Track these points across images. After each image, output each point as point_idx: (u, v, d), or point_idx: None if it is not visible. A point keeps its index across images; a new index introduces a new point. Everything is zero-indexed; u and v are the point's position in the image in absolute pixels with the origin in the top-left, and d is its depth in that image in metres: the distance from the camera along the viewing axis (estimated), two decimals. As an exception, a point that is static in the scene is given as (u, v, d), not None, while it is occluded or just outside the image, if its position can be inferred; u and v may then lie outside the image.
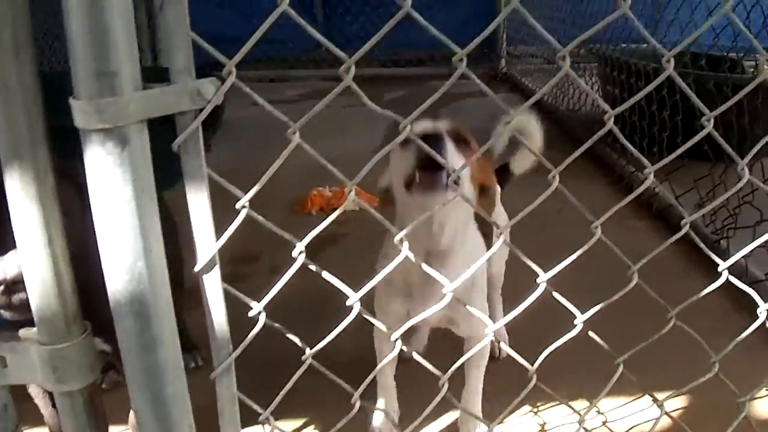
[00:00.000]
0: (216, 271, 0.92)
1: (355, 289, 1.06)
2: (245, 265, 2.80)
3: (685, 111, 3.30)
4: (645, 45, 4.30)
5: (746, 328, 1.43)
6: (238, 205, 0.90)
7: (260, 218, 0.92)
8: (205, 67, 0.90)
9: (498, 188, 1.84)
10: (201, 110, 0.85)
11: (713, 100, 2.91)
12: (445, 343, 1.90)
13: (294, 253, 0.97)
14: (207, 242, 0.90)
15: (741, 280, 2.28)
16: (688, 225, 1.25)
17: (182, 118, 0.85)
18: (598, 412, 1.75)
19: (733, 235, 2.64)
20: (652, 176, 1.14)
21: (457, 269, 1.42)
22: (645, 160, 1.15)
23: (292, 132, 0.91)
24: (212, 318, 0.95)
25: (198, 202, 0.89)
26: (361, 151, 4.21)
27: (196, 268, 0.91)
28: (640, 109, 3.64)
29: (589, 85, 4.89)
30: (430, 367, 1.22)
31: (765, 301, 1.44)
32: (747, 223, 2.53)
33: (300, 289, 1.49)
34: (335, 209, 3.58)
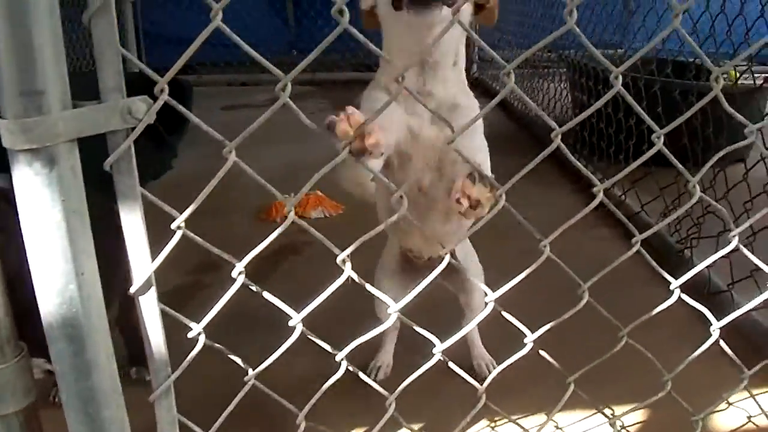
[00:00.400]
0: (152, 293, 0.90)
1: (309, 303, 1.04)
2: (208, 273, 2.75)
3: (651, 119, 3.27)
4: (613, 52, 4.33)
5: (706, 339, 1.43)
6: (173, 226, 0.88)
7: (197, 238, 0.90)
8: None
9: None
10: (134, 128, 0.82)
11: (678, 108, 2.91)
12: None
13: (233, 274, 0.95)
14: (142, 263, 0.88)
15: (703, 291, 2.31)
16: (638, 244, 1.24)
17: (113, 137, 0.82)
18: (556, 427, 1.74)
19: (697, 245, 2.61)
20: (601, 194, 1.13)
21: (451, 85, 1.48)
22: (594, 179, 1.14)
23: (228, 151, 0.89)
24: (149, 339, 0.93)
25: (132, 223, 0.87)
26: (327, 158, 4.20)
27: (132, 290, 0.89)
28: (607, 116, 3.61)
29: (558, 89, 4.87)
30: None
31: (724, 313, 1.44)
32: (712, 231, 2.53)
33: (254, 304, 1.47)
34: (302, 217, 3.53)
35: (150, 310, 0.91)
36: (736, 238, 1.34)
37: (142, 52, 6.54)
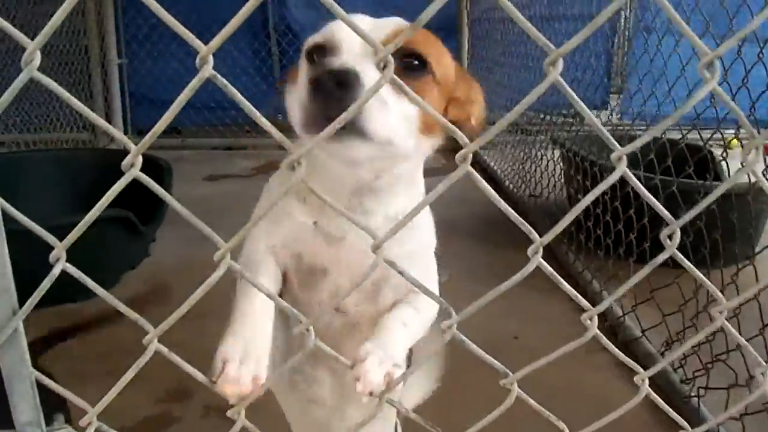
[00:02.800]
0: None
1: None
2: (176, 403, 2.51)
3: (652, 212, 2.98)
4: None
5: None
6: (145, 341, 0.78)
7: (174, 357, 0.77)
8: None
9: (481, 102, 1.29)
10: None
11: (678, 204, 2.77)
12: None
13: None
14: None
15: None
16: (646, 382, 1.06)
17: None
18: None
19: (704, 395, 2.40)
20: (595, 326, 0.96)
21: (402, 201, 1.18)
22: (586, 303, 0.95)
23: (220, 256, 0.75)
24: None
25: None
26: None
27: None
28: (604, 202, 3.38)
29: (551, 161, 4.62)
30: None
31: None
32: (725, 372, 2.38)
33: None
34: None
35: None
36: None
37: (128, 114, 6.48)
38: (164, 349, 0.80)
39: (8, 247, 0.74)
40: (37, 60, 0.64)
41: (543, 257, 0.89)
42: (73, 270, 0.71)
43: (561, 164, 4.47)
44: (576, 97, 0.76)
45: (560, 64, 0.73)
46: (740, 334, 2.11)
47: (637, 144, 0.82)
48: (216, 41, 0.68)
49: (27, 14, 5.59)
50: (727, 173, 2.91)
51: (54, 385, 0.71)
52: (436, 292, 1.20)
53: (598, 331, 0.96)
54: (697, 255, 2.65)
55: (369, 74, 0.94)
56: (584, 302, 0.95)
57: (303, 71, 1.11)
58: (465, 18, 6.69)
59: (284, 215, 1.19)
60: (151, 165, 3.81)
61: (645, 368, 1.05)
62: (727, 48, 0.78)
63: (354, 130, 0.95)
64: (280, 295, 1.22)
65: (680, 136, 3.31)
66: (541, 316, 2.97)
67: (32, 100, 5.85)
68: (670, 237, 0.90)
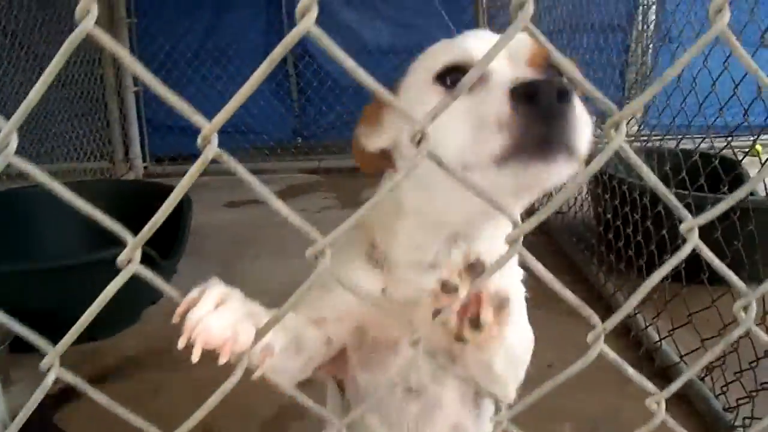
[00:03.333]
0: None
1: None
2: None
3: (703, 236, 2.80)
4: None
5: None
6: None
7: None
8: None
9: None
10: None
11: (712, 223, 2.65)
12: None
13: None
14: None
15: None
16: (662, 404, 0.93)
17: None
18: None
19: (750, 425, 2.25)
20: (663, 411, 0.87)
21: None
22: (596, 319, 0.84)
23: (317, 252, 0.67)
24: None
25: None
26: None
27: None
28: (635, 222, 3.26)
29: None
30: None
31: None
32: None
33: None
34: None
35: None
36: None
37: (145, 141, 6.45)
38: None
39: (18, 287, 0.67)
40: (14, 144, 0.56)
41: (571, 280, 0.81)
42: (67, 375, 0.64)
43: (588, 182, 4.32)
44: (640, 161, 0.68)
45: (623, 127, 0.65)
46: None
47: (710, 215, 0.73)
48: (220, 118, 0.65)
49: (29, 20, 5.60)
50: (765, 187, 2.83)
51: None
52: (530, 336, 1.09)
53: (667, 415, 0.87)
54: (738, 275, 2.53)
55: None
56: (650, 385, 0.86)
57: (431, 94, 0.95)
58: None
59: (355, 276, 1.07)
60: (168, 195, 3.73)
61: (684, 395, 0.97)
62: None
63: (564, 148, 0.82)
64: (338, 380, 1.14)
65: (711, 146, 3.19)
66: (575, 342, 2.83)
67: (49, 130, 5.84)
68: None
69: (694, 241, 0.72)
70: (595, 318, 0.75)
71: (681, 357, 2.69)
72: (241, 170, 0.61)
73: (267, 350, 0.89)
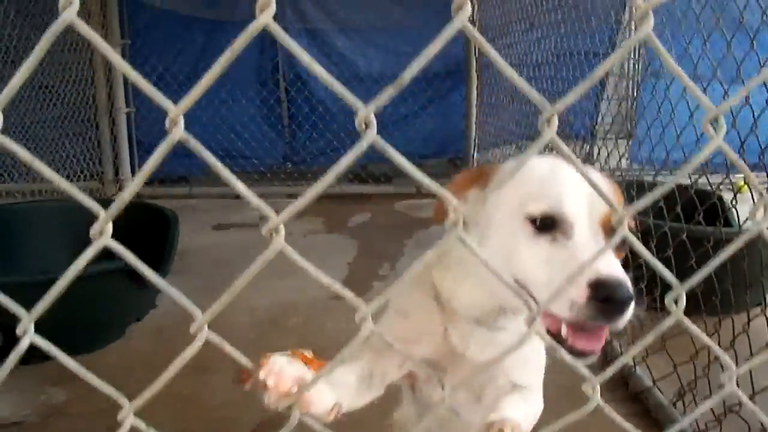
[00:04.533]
0: None
1: None
2: None
3: (679, 263, 2.80)
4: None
5: None
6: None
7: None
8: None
9: None
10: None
11: (688, 251, 2.72)
12: None
13: None
14: None
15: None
16: (597, 392, 0.92)
17: None
18: None
19: None
20: (597, 391, 0.90)
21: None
22: (586, 372, 0.90)
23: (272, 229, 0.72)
24: None
25: None
26: (321, 295, 3.92)
27: None
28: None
29: None
30: None
31: None
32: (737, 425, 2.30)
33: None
34: None
35: None
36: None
37: (135, 162, 6.47)
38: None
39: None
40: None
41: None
42: (40, 340, 0.67)
43: None
44: (573, 156, 0.73)
45: (555, 122, 0.70)
46: (752, 383, 2.07)
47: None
48: (187, 101, 0.67)
49: (18, 29, 5.66)
50: (737, 218, 2.88)
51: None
52: (540, 392, 1.27)
53: (601, 401, 0.92)
54: (708, 303, 2.63)
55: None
56: (586, 374, 0.91)
57: (521, 230, 1.09)
58: (473, 64, 6.68)
59: (416, 308, 1.25)
60: (156, 215, 3.79)
61: (657, 420, 1.02)
62: (731, 104, 0.76)
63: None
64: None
65: (689, 181, 3.25)
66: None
67: (39, 149, 5.86)
68: (676, 301, 0.87)
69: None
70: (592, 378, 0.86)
71: (654, 382, 2.76)
72: (206, 155, 0.65)
73: (335, 409, 1.04)
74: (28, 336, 0.66)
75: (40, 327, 0.67)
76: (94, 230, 0.64)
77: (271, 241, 0.70)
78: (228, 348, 0.78)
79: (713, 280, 2.65)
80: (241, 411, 2.31)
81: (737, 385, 0.97)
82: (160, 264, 3.34)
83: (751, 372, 1.88)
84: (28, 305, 0.68)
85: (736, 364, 0.99)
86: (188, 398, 0.83)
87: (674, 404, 2.62)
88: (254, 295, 3.68)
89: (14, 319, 0.68)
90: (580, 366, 0.88)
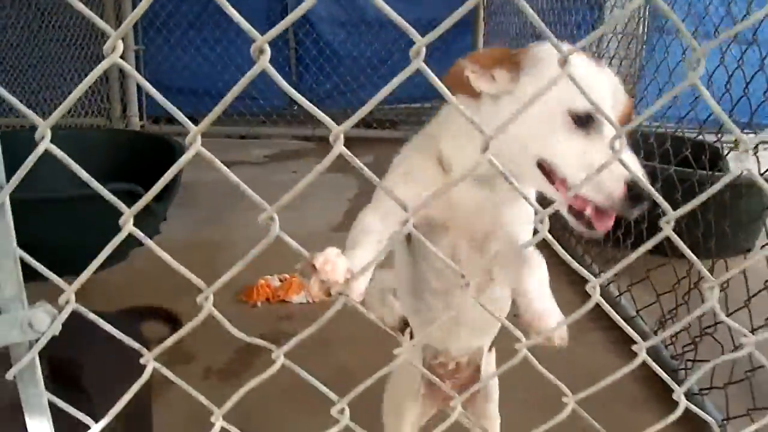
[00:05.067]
0: None
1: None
2: (177, 366, 2.44)
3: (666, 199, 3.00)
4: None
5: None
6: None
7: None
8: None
9: None
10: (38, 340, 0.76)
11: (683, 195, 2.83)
12: None
13: None
14: None
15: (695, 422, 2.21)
16: (643, 350, 1.07)
17: (16, 347, 0.76)
18: None
19: (692, 367, 2.51)
20: (597, 292, 0.99)
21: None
22: (587, 274, 1.01)
23: (268, 217, 0.82)
24: None
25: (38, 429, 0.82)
26: (321, 227, 4.07)
27: None
28: None
29: None
30: None
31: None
32: (712, 348, 2.43)
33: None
34: (283, 301, 3.38)
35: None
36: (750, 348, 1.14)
37: (143, 100, 6.51)
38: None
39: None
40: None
41: (548, 253, 0.96)
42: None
43: None
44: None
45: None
46: (727, 308, 2.18)
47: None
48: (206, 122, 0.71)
49: None
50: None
51: (36, 263, 0.75)
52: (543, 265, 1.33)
53: (600, 298, 1.01)
54: (707, 244, 2.80)
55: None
56: (587, 275, 1.01)
57: (561, 124, 1.21)
58: (481, 12, 6.67)
59: (420, 173, 1.37)
60: (161, 145, 3.85)
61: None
62: (713, 45, 0.83)
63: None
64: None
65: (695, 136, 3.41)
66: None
67: (49, 85, 5.91)
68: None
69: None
70: (589, 275, 0.99)
71: (637, 311, 3.01)
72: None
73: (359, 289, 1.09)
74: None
75: (47, 247, 0.75)
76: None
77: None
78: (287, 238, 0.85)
79: (711, 224, 2.82)
80: (239, 327, 2.41)
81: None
82: (165, 190, 3.45)
83: (726, 297, 2.00)
84: (45, 221, 0.76)
85: (727, 310, 1.08)
86: (187, 317, 0.89)
87: (655, 332, 2.82)
88: (254, 227, 3.77)
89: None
90: (583, 270, 1.00)
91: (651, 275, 2.85)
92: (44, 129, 0.73)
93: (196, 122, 0.74)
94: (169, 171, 0.77)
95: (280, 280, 3.30)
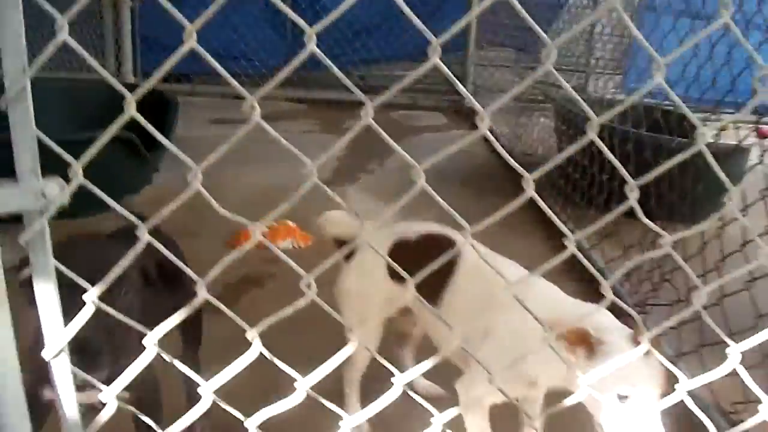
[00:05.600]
0: (63, 358, 0.93)
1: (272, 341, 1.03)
2: None
3: (638, 164, 3.03)
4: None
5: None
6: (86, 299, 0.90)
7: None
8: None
9: None
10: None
11: (656, 160, 2.94)
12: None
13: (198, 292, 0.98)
14: (55, 330, 0.91)
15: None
16: (572, 243, 1.08)
17: (29, 214, 0.84)
18: None
19: (650, 311, 2.69)
20: (573, 245, 1.07)
21: None
22: (566, 230, 1.08)
23: (192, 176, 0.94)
24: (62, 403, 0.95)
25: (46, 295, 0.89)
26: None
27: (46, 356, 0.91)
28: (591, 154, 3.57)
29: (547, 125, 4.89)
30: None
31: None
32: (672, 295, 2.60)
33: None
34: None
35: (62, 375, 0.94)
36: (701, 297, 1.22)
37: (138, 57, 6.54)
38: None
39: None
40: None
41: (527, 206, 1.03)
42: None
43: (552, 120, 4.76)
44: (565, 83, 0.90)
45: (554, 55, 0.87)
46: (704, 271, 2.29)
47: (610, 114, 0.98)
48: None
49: None
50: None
51: (49, 141, 0.82)
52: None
53: (575, 250, 1.09)
54: (680, 211, 2.93)
55: None
56: (566, 230, 1.08)
57: (608, 399, 1.58)
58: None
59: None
60: (156, 99, 3.89)
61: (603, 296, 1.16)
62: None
63: None
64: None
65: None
66: (519, 252, 3.13)
67: (47, 42, 5.89)
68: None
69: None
70: (566, 230, 1.04)
71: (606, 263, 3.18)
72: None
73: None
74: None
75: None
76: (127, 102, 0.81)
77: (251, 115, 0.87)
78: (213, 203, 0.93)
79: (686, 190, 2.95)
80: (226, 268, 2.51)
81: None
82: (159, 143, 3.54)
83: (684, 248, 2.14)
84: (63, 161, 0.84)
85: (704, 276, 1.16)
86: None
87: (622, 284, 2.99)
88: (244, 178, 4.04)
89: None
90: (563, 226, 1.08)
91: (619, 231, 2.97)
92: (62, 21, 0.81)
93: (189, 81, 0.81)
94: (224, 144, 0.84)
95: (268, 226, 3.35)
